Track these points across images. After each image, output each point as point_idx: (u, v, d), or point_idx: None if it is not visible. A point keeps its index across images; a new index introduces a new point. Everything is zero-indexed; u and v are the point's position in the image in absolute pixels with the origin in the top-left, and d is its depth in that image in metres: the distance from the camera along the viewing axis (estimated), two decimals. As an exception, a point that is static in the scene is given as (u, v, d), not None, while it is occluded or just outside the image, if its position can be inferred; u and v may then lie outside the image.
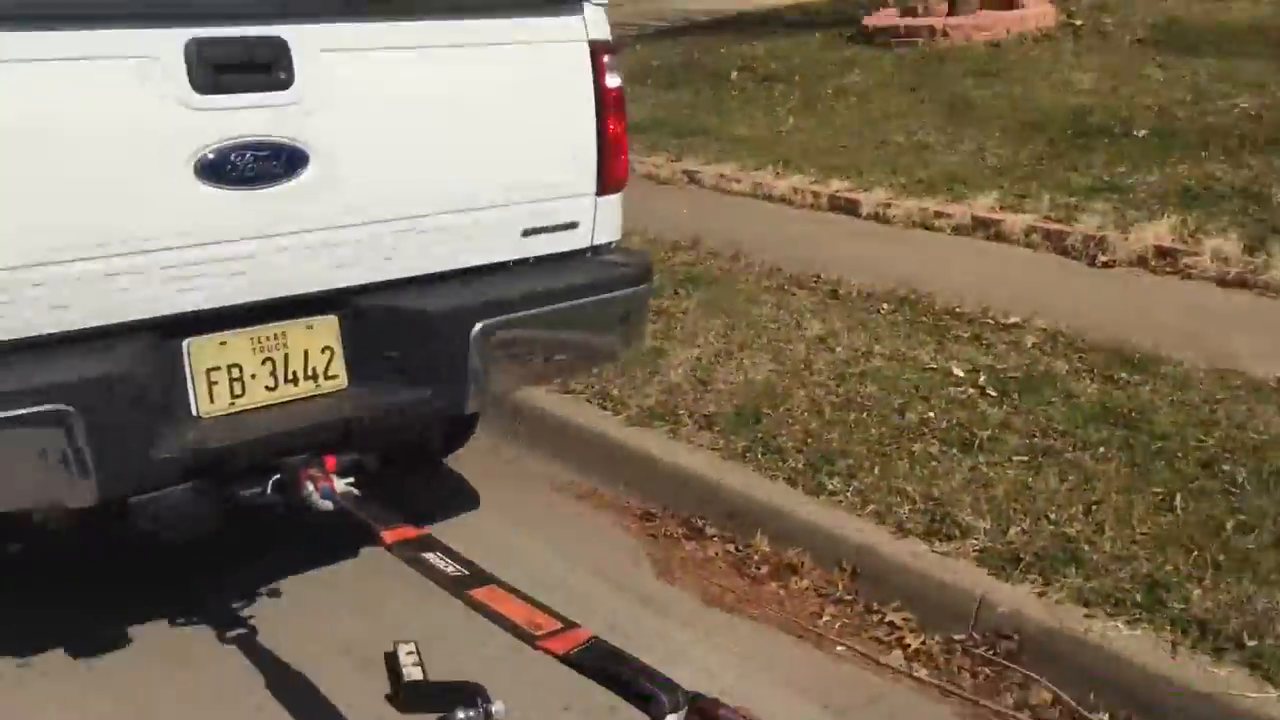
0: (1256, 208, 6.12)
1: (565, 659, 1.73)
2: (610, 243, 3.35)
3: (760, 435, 4.18)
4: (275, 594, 3.48)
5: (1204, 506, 3.51)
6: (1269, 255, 5.61)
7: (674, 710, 1.18)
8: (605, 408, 4.53)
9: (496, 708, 2.39)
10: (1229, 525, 3.40)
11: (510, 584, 2.19)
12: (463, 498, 4.12)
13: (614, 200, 3.32)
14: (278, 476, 2.86)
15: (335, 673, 3.10)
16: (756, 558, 3.71)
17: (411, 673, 2.91)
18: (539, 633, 1.84)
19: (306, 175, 2.73)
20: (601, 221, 3.30)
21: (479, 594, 2.09)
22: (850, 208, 7.32)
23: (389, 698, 2.90)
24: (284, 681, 3.08)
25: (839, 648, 3.31)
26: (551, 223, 3.18)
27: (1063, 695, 3.06)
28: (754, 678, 3.14)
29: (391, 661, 2.99)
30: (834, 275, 5.84)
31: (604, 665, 1.63)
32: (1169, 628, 3.04)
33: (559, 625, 1.87)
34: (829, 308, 5.46)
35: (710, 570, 3.72)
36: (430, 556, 2.47)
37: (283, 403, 2.87)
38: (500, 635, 2.07)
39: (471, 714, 2.39)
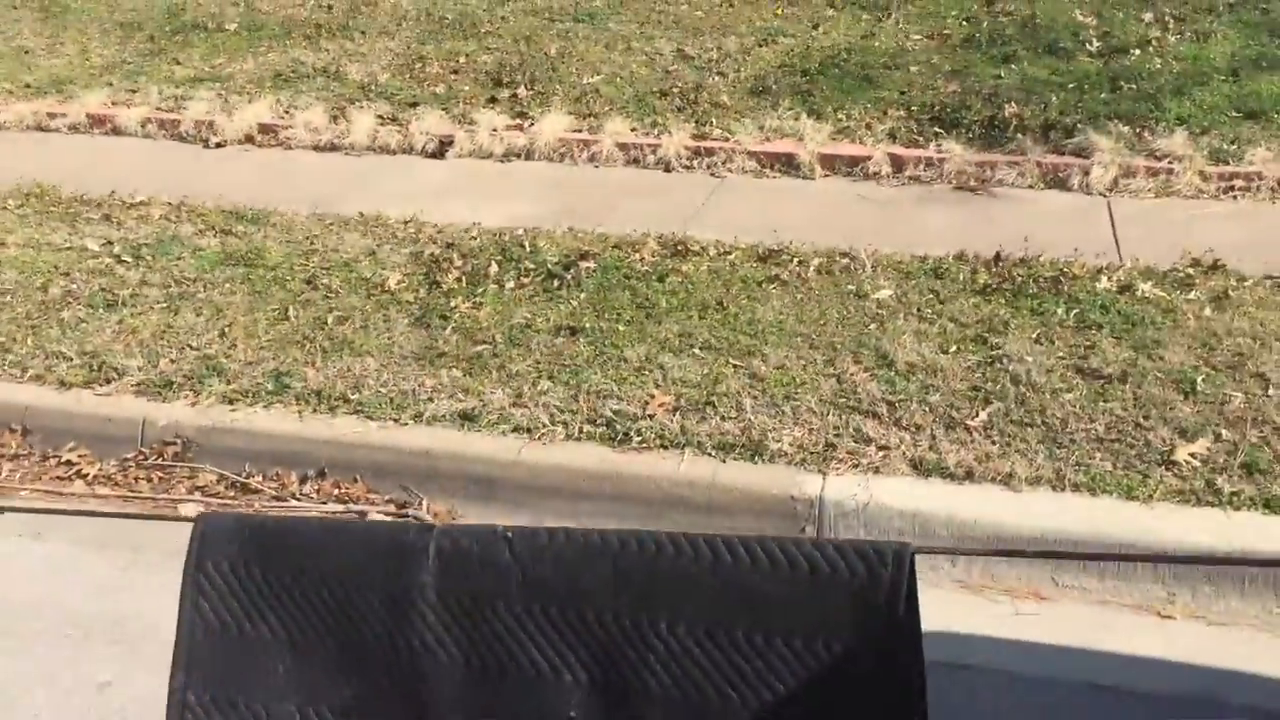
0: (336, 84, 7.21)
1: None
2: None
3: (-102, 337, 4.23)
4: None
5: (311, 312, 4.42)
6: (349, 122, 6.73)
7: None
8: None
9: None
10: (330, 320, 4.36)
11: None
12: None
13: None
14: None
15: None
16: (-78, 445, 3.88)
17: None
18: None
19: None
20: None
21: None
22: (-45, 118, 7.08)
23: None
24: None
25: (22, 492, 3.69)
26: None
27: (226, 473, 3.80)
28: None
29: None
30: (-52, 183, 5.78)
31: None
32: (295, 402, 3.92)
33: None
34: (-54, 213, 5.45)
35: (-125, 467, 3.80)
36: None
37: None
38: None
39: None
